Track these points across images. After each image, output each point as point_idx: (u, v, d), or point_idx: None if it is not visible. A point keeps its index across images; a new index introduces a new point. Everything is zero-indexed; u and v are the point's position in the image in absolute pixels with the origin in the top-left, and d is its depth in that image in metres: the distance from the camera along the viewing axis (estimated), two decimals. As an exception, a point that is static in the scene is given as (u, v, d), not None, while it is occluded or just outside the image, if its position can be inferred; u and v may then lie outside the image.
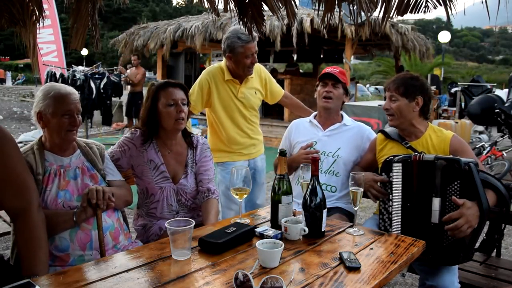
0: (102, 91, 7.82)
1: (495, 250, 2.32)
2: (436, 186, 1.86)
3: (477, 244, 2.33)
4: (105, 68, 8.45)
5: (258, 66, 2.80)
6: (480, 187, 1.81)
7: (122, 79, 9.13)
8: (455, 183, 1.81)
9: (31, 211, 1.55)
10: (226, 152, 2.78)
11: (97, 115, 8.57)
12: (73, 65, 8.86)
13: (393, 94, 2.16)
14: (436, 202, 1.84)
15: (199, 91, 2.67)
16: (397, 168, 1.94)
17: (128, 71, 9.61)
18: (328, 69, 2.51)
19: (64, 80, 7.59)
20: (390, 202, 1.97)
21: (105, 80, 7.88)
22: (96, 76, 7.83)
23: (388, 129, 2.29)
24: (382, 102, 8.96)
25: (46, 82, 7.60)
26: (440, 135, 2.14)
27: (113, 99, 8.77)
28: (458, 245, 1.80)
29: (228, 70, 2.69)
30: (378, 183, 2.00)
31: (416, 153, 2.03)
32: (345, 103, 2.58)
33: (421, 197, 1.90)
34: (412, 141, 2.17)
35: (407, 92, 2.13)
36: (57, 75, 7.75)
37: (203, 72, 2.75)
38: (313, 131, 2.54)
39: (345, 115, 2.56)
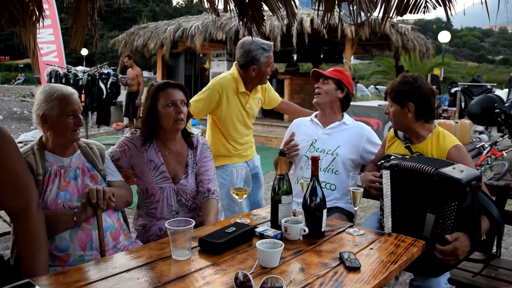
0: (108, 90, 7.84)
1: (495, 250, 2.32)
2: (432, 202, 1.75)
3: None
4: (107, 68, 8.44)
5: None
6: (477, 213, 1.73)
7: (122, 83, 9.14)
8: (453, 204, 1.70)
9: (30, 211, 1.55)
10: (225, 157, 2.77)
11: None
12: (68, 66, 8.83)
13: (388, 99, 2.17)
14: (431, 218, 1.75)
15: (207, 100, 2.62)
16: (386, 175, 1.86)
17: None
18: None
19: (68, 80, 7.58)
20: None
21: (110, 80, 7.90)
22: (103, 76, 7.86)
23: None
24: (382, 102, 8.99)
25: (50, 82, 7.59)
26: (441, 143, 2.07)
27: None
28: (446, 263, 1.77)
29: (243, 82, 2.65)
30: (375, 183, 2.00)
31: (407, 156, 2.00)
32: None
33: (414, 208, 1.81)
34: (414, 144, 2.15)
35: (398, 98, 2.10)
36: (61, 75, 7.75)
37: (214, 82, 2.66)
38: (313, 129, 2.56)
39: (345, 115, 2.58)
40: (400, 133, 2.23)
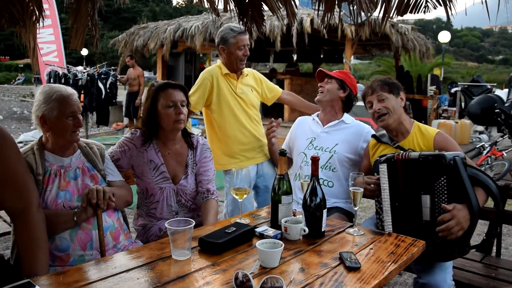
0: (108, 90, 7.84)
1: (495, 250, 2.32)
2: (424, 183, 1.86)
3: (477, 244, 2.33)
4: (106, 68, 8.43)
5: (250, 70, 2.90)
6: (467, 182, 1.80)
7: (121, 81, 9.13)
8: (442, 178, 1.81)
9: (30, 211, 1.55)
10: (230, 157, 2.71)
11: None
12: (69, 66, 8.81)
13: (380, 94, 2.19)
14: (426, 199, 1.85)
15: (201, 89, 2.67)
16: (383, 169, 1.94)
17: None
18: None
19: (67, 80, 7.58)
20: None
21: (110, 80, 7.90)
22: (102, 76, 7.85)
23: (379, 133, 2.32)
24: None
25: (49, 82, 7.57)
26: (424, 134, 2.16)
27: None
28: (451, 241, 1.80)
29: (224, 66, 2.74)
30: (371, 185, 2.01)
31: (401, 151, 2.03)
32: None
33: (410, 195, 1.90)
34: (400, 141, 2.19)
35: (392, 89, 2.20)
36: (60, 75, 7.74)
37: (203, 72, 2.77)
38: (314, 127, 2.60)
39: (346, 114, 2.59)
40: (384, 137, 2.26)
